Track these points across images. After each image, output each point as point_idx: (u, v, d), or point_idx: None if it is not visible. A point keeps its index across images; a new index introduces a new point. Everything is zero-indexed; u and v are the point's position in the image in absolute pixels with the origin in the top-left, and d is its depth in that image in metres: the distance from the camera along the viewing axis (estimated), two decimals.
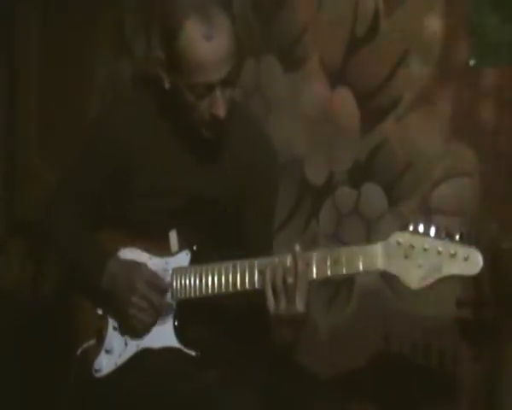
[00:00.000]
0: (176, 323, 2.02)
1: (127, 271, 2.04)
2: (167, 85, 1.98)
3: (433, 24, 2.43)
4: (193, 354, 1.99)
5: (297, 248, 1.86)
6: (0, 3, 3.36)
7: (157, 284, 2.03)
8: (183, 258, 2.05)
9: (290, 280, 1.83)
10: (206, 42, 1.89)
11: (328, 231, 2.66)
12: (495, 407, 2.17)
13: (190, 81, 1.92)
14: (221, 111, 1.94)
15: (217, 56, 1.90)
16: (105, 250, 2.09)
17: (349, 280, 2.58)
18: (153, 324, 2.03)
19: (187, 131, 2.03)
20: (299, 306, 1.84)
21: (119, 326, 2.07)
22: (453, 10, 2.39)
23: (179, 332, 2.02)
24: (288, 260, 1.86)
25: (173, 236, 2.06)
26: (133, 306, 2.02)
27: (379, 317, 2.50)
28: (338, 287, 2.61)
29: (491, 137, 2.31)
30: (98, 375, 2.04)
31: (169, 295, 2.04)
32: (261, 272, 1.91)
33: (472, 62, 2.35)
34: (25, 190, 3.36)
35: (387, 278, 2.37)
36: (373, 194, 2.56)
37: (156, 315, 2.03)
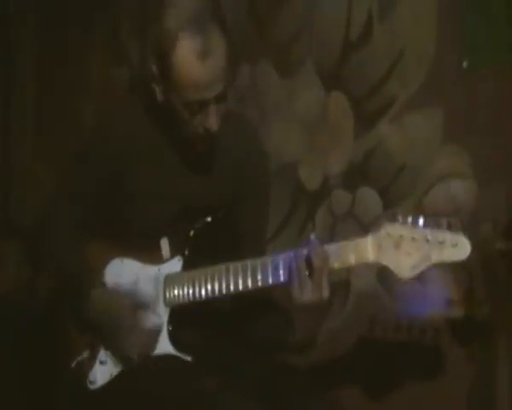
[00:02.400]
0: (170, 328, 2.01)
1: (111, 307, 2.00)
2: (160, 98, 1.98)
3: (427, 26, 2.44)
4: (189, 359, 1.98)
5: (312, 236, 1.89)
6: None
7: (140, 303, 2.01)
8: (175, 264, 2.04)
9: (317, 263, 1.84)
10: (200, 61, 1.88)
11: (324, 235, 2.66)
12: (489, 403, 2.18)
13: (184, 98, 1.92)
14: (214, 125, 1.94)
15: (211, 75, 1.89)
16: (91, 275, 2.05)
17: (345, 283, 2.59)
18: (149, 346, 2.01)
19: (179, 142, 2.03)
20: (325, 291, 1.85)
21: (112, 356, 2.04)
22: (446, 13, 2.40)
23: (174, 338, 2.01)
24: (309, 251, 1.87)
25: (165, 243, 2.05)
26: (125, 339, 1.99)
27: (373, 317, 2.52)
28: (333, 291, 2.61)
29: (486, 139, 2.31)
30: (93, 387, 2.02)
31: (161, 301, 2.03)
32: (254, 273, 1.91)
33: (465, 64, 2.36)
34: (20, 193, 3.35)
35: (382, 278, 2.40)
36: (368, 197, 2.57)
37: (151, 337, 2.01)
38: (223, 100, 1.94)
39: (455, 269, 2.25)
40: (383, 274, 2.46)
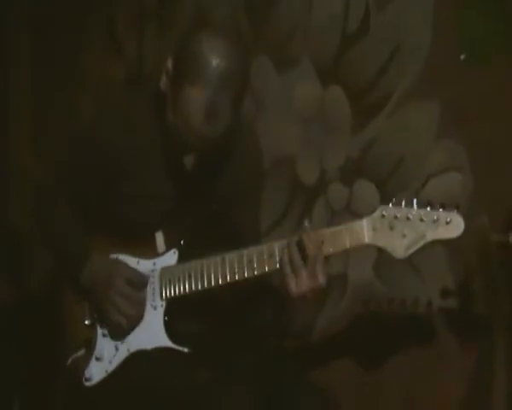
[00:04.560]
0: (166, 318, 2.01)
1: (107, 268, 2.04)
2: (163, 87, 1.98)
3: (424, 20, 2.43)
4: (185, 350, 1.98)
5: (306, 223, 1.89)
6: None
7: (136, 282, 2.03)
8: (171, 257, 2.04)
9: (311, 251, 1.83)
10: (206, 118, 1.88)
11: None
12: (486, 393, 2.18)
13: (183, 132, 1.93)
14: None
15: (212, 134, 1.91)
16: (89, 246, 2.09)
17: (342, 277, 2.58)
18: (131, 325, 2.03)
19: (174, 141, 2.03)
20: (321, 278, 1.84)
21: (101, 325, 2.06)
22: (443, 6, 2.40)
23: (170, 330, 2.01)
24: (301, 237, 1.86)
25: (159, 236, 2.05)
26: (111, 304, 2.01)
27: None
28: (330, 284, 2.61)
29: (482, 133, 2.31)
30: (89, 384, 2.03)
31: (157, 295, 2.03)
32: (250, 262, 1.92)
33: (462, 57, 2.35)
34: (16, 191, 3.36)
35: (378, 271, 2.40)
36: (365, 191, 2.57)
37: (135, 316, 2.02)
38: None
39: (450, 261, 2.27)
40: (380, 266, 2.46)
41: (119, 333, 2.03)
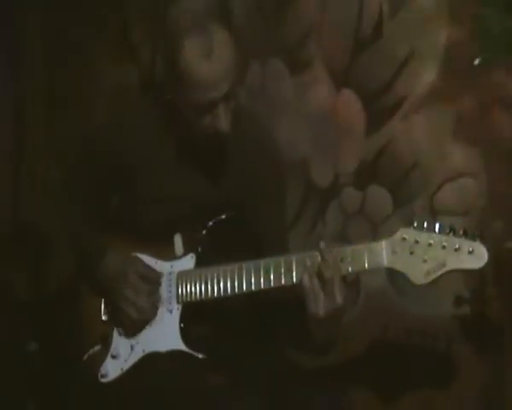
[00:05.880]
0: (182, 325, 2.02)
1: (122, 264, 2.06)
2: (168, 98, 1.98)
3: (438, 23, 2.43)
4: (199, 356, 1.99)
5: (322, 245, 1.87)
6: (2, 16, 3.37)
7: (150, 277, 2.05)
8: (188, 261, 2.05)
9: (328, 274, 1.83)
10: (205, 61, 1.89)
11: (334, 233, 2.66)
12: (500, 402, 2.18)
13: (192, 99, 1.93)
14: (224, 126, 1.95)
15: (216, 75, 1.90)
16: (106, 243, 2.10)
17: (355, 282, 2.58)
18: (143, 320, 2.04)
19: (191, 142, 2.04)
20: (338, 298, 1.83)
21: (113, 320, 2.08)
22: (458, 9, 2.39)
23: (185, 335, 2.02)
24: (318, 257, 1.86)
25: (178, 239, 2.06)
26: (123, 297, 2.03)
27: (383, 317, 2.51)
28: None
29: (497, 137, 2.30)
30: (104, 380, 2.04)
31: (174, 298, 2.04)
32: (267, 273, 1.92)
33: (477, 62, 2.35)
34: (30, 192, 3.37)
35: (392, 277, 2.39)
36: (378, 195, 2.56)
37: (147, 310, 2.03)
38: (231, 98, 1.95)
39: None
40: (393, 272, 2.45)
41: (130, 327, 2.04)
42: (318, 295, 1.85)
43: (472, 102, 2.35)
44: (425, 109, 2.47)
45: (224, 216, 2.05)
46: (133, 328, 2.05)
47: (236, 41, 1.93)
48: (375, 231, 2.55)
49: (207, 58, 1.89)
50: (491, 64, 2.33)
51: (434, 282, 1.75)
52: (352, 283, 2.57)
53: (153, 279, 2.05)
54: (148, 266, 2.06)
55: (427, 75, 2.46)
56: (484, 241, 1.74)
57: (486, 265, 1.74)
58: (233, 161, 2.09)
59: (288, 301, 1.94)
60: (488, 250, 1.73)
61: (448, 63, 2.41)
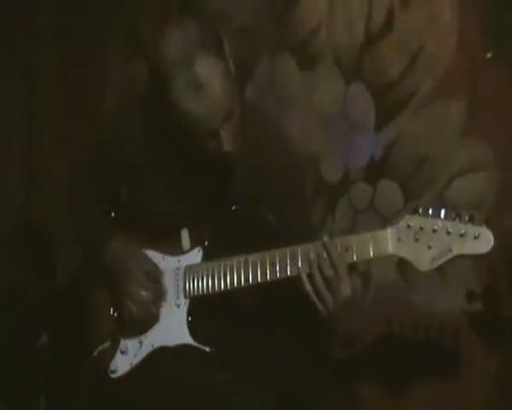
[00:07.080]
0: (189, 319, 2.02)
1: (126, 255, 2.07)
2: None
3: (449, 17, 2.41)
4: (207, 349, 1.98)
5: (325, 238, 1.86)
6: (14, 18, 3.39)
7: (151, 272, 2.06)
8: (196, 255, 2.05)
9: (329, 273, 1.83)
10: (196, 95, 1.86)
11: (344, 228, 2.65)
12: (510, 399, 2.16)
13: (191, 130, 1.92)
14: (230, 146, 1.94)
15: (209, 107, 1.88)
16: (113, 234, 2.11)
17: (365, 276, 2.57)
18: (144, 315, 2.04)
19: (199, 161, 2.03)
20: (347, 290, 1.83)
21: (118, 314, 2.09)
22: (468, 2, 2.37)
23: (193, 329, 2.02)
24: (320, 254, 1.85)
25: (185, 234, 2.06)
26: (127, 293, 2.04)
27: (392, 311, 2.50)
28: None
29: (508, 131, 2.28)
30: (114, 376, 2.05)
31: (181, 292, 2.04)
32: (273, 265, 1.91)
33: (489, 55, 2.33)
34: (40, 191, 3.39)
35: (402, 270, 2.38)
36: (389, 190, 2.55)
37: (148, 305, 2.04)
38: (231, 117, 1.92)
39: (476, 261, 2.24)
40: (404, 266, 2.44)
41: (131, 322, 2.05)
42: (323, 293, 1.84)
43: (483, 95, 2.33)
44: (436, 103, 2.45)
45: (232, 209, 2.05)
46: (132, 322, 2.05)
47: (225, 67, 1.90)
48: (385, 226, 2.53)
49: (196, 92, 1.86)
50: (502, 58, 2.30)
51: (442, 273, 1.73)
52: (362, 277, 2.56)
53: (154, 275, 2.06)
54: (149, 261, 2.06)
55: (437, 69, 2.44)
56: (489, 226, 1.72)
57: (497, 259, 1.73)
58: (244, 156, 2.07)
59: (297, 292, 1.93)
60: (494, 236, 1.71)
61: (459, 56, 2.39)
